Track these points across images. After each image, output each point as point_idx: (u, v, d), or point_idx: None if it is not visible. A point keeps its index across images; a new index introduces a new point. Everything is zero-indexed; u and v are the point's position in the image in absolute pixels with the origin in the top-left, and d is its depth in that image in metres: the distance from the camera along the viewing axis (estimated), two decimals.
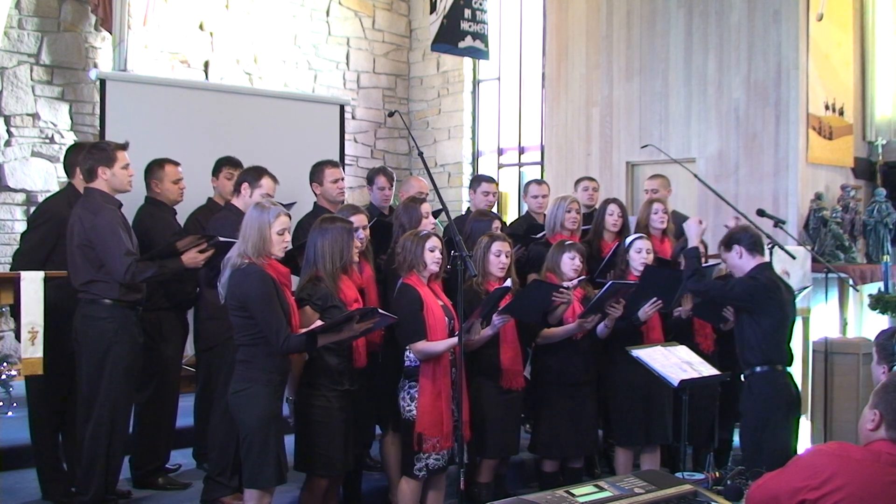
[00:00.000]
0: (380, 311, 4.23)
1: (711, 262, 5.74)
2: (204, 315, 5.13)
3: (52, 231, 4.87)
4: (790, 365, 4.89)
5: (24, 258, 4.96)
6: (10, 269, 4.98)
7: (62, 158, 8.23)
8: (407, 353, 4.58)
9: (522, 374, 5.01)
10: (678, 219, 6.21)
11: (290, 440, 4.34)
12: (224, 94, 8.29)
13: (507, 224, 6.54)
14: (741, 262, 4.77)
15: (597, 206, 6.21)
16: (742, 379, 4.92)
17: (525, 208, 7.00)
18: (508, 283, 4.76)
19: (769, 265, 4.85)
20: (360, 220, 4.74)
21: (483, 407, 4.82)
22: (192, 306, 5.54)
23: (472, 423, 4.67)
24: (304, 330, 4.09)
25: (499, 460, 5.10)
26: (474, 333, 4.64)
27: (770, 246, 5.84)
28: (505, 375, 4.89)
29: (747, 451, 4.71)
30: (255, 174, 5.05)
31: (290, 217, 4.24)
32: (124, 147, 4.78)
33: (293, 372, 4.29)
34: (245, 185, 5.03)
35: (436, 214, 5.55)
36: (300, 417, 4.34)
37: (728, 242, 4.82)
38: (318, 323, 4.14)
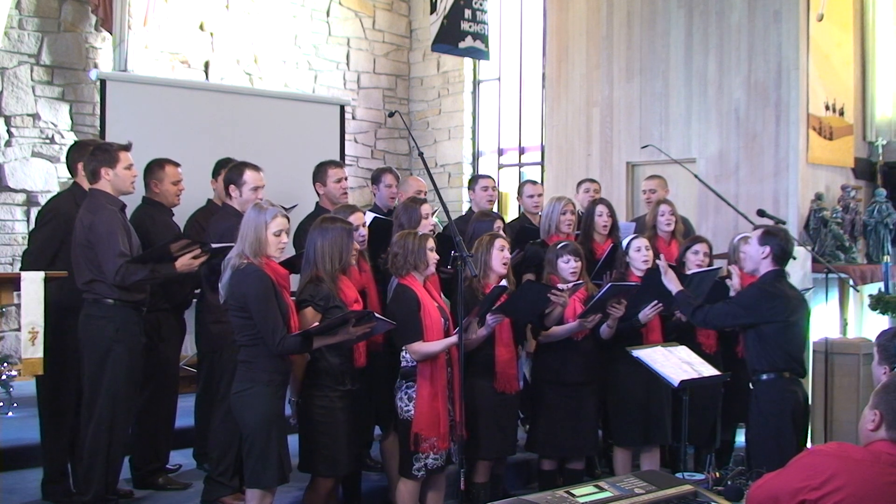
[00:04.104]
0: (377, 315, 4.23)
1: (717, 263, 5.74)
2: (210, 318, 5.12)
3: (57, 229, 4.87)
4: (803, 375, 4.78)
5: (32, 257, 4.99)
6: (21, 269, 4.98)
7: (63, 158, 8.32)
8: (403, 353, 4.58)
9: (517, 378, 5.00)
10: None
11: (293, 440, 4.34)
12: (224, 94, 8.30)
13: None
14: (762, 261, 4.69)
15: None
16: (750, 385, 4.87)
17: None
18: (504, 282, 4.76)
19: (781, 273, 4.73)
20: (357, 218, 4.74)
21: (478, 407, 4.81)
22: (189, 307, 5.55)
23: (467, 423, 4.65)
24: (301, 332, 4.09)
25: (495, 461, 5.10)
26: (471, 333, 4.64)
27: None
28: (499, 378, 4.88)
29: (754, 460, 4.56)
30: (237, 171, 5.05)
31: (288, 219, 4.23)
32: (127, 148, 4.79)
33: (295, 373, 4.28)
34: (231, 186, 5.04)
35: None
36: (303, 418, 4.33)
37: (764, 237, 4.71)
38: (316, 325, 4.13)
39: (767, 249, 4.67)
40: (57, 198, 5.34)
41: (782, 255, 4.70)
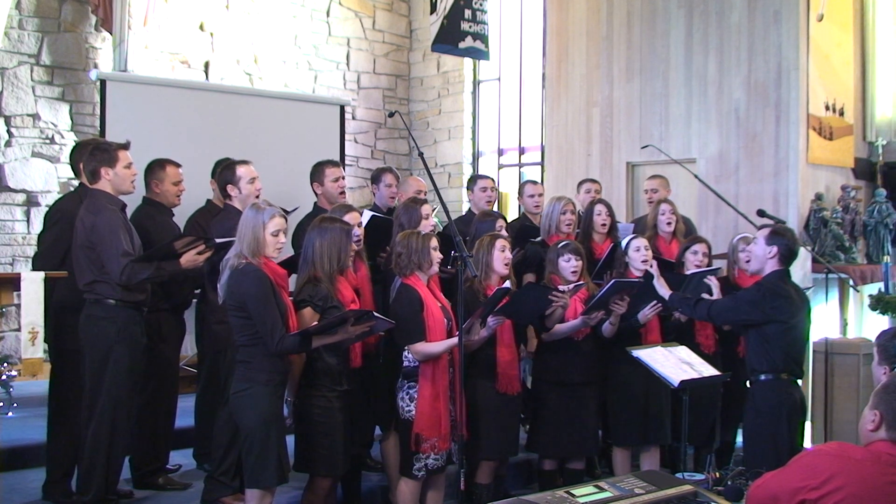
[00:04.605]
0: (376, 314, 4.23)
1: (716, 263, 5.74)
2: (212, 319, 5.12)
3: (65, 230, 4.85)
4: (800, 377, 4.79)
5: (41, 259, 4.99)
6: (31, 271, 4.98)
7: (62, 158, 8.35)
8: (406, 353, 4.58)
9: (518, 379, 5.00)
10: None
11: (290, 441, 4.34)
12: (224, 94, 8.30)
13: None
14: (768, 260, 4.66)
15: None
16: (747, 385, 4.90)
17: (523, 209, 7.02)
18: (507, 283, 4.76)
19: (785, 273, 4.72)
20: (353, 218, 4.74)
21: (480, 408, 4.81)
22: (189, 307, 5.55)
23: (469, 423, 4.66)
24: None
25: (497, 462, 5.09)
26: (473, 334, 4.64)
27: None
28: (500, 379, 4.88)
29: (749, 460, 4.58)
30: (229, 171, 5.08)
31: (286, 220, 4.24)
32: (126, 146, 4.78)
33: (293, 373, 4.28)
34: (229, 186, 5.05)
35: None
36: (301, 418, 4.33)
37: (771, 237, 4.68)
38: (315, 324, 4.13)
39: (775, 249, 4.64)
40: (63, 199, 5.33)
41: (789, 255, 4.68)
